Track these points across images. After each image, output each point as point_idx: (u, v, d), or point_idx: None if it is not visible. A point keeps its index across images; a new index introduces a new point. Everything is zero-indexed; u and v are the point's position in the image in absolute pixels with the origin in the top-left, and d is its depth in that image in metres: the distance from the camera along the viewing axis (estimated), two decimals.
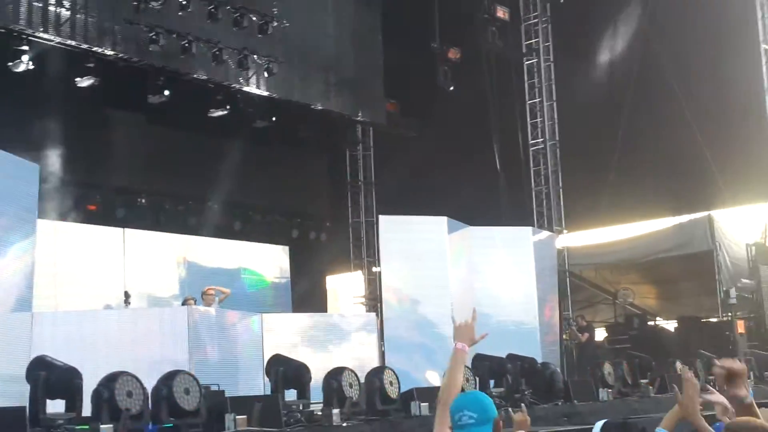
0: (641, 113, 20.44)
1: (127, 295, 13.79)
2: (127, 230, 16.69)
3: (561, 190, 22.27)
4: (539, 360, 14.30)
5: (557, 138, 22.48)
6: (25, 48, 15.91)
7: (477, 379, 12.40)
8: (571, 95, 21.86)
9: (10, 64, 15.89)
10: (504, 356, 13.47)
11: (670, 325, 21.20)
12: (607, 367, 13.89)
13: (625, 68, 20.83)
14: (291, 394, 10.88)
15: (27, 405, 8.26)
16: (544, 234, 18.96)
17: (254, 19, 18.54)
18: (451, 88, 21.20)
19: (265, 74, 18.94)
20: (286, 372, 11.09)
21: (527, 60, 23.07)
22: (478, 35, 21.46)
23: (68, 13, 16.22)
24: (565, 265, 21.64)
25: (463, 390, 4.45)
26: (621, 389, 13.83)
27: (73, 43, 16.46)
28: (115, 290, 14.84)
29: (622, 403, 13.35)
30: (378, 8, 22.24)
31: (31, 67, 15.96)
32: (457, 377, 4.39)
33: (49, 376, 8.72)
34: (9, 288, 10.77)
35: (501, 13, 21.73)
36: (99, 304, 14.63)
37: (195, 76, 18.18)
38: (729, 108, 19.84)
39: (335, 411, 10.23)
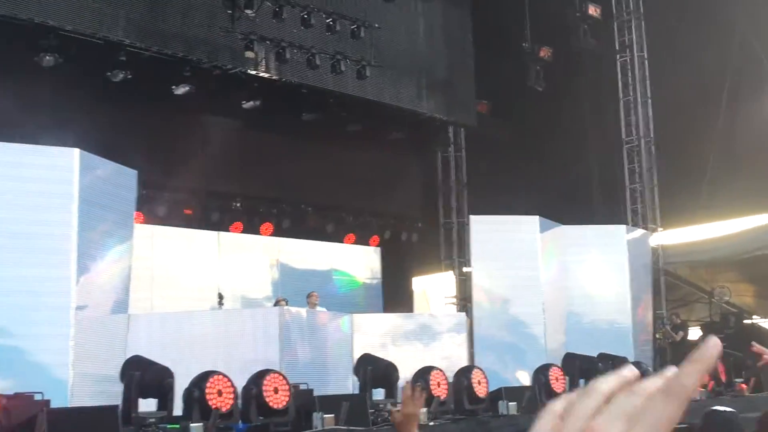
0: (738, 109, 20.08)
1: (220, 296, 14.13)
2: (222, 233, 17.06)
3: (656, 187, 21.97)
4: (632, 360, 14.18)
5: (652, 135, 22.18)
6: (123, 59, 16.44)
7: (567, 378, 12.36)
8: (666, 92, 21.54)
9: (108, 74, 16.44)
10: (595, 355, 13.43)
11: None
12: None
13: (722, 63, 20.45)
14: (379, 394, 11.01)
15: (120, 404, 8.54)
16: (639, 232, 18.74)
17: (346, 23, 18.81)
18: (542, 88, 21.12)
19: (357, 78, 19.18)
20: (374, 371, 11.23)
21: (620, 57, 22.81)
22: (570, 34, 21.33)
23: (164, 23, 16.70)
24: (660, 264, 21.33)
25: None
26: (715, 388, 13.63)
27: (170, 52, 16.95)
28: (209, 292, 15.19)
29: (715, 403, 13.13)
30: (468, 9, 22.32)
31: (129, 77, 16.50)
32: None
33: (143, 376, 9.00)
34: (107, 291, 11.12)
35: (593, 10, 21.58)
36: (193, 305, 14.97)
37: (290, 79, 18.48)
38: None
39: (423, 410, 10.34)
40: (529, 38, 21.50)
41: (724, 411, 4.75)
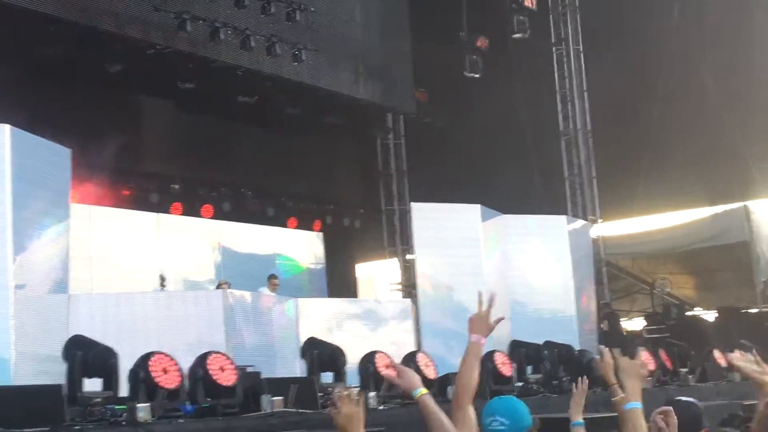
0: (675, 102, 20.25)
1: (162, 278, 13.77)
2: (161, 215, 16.67)
3: (595, 179, 22.06)
4: (577, 348, 14.16)
5: (589, 127, 22.27)
6: (53, 32, 15.89)
7: (515, 365, 12.25)
8: (603, 84, 21.69)
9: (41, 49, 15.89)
10: (541, 343, 13.37)
11: (709, 316, 20.98)
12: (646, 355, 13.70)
13: (657, 55, 20.60)
14: (328, 377, 10.78)
15: (64, 383, 8.20)
16: (579, 223, 18.76)
17: (281, 5, 18.49)
18: (478, 76, 21.07)
19: (293, 61, 18.86)
20: (321, 355, 11.02)
21: (556, 49, 22.87)
22: (506, 24, 21.29)
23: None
24: (601, 255, 21.44)
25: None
26: (660, 377, 13.64)
27: (102, 27, 16.45)
28: (150, 274, 14.83)
29: (660, 391, 13.15)
30: None
31: (59, 52, 15.97)
32: (474, 374, 4.12)
33: (86, 355, 8.68)
34: (45, 270, 10.71)
35: (529, 2, 21.64)
36: (134, 287, 14.60)
37: (224, 60, 18.10)
38: (764, 98, 19.60)
39: (371, 394, 10.14)
40: (465, 28, 21.40)
41: (687, 401, 4.70)
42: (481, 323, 4.24)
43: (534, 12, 21.85)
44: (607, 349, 5.69)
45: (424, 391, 4.05)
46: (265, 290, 14.63)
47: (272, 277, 15.33)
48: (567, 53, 22.89)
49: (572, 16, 23.01)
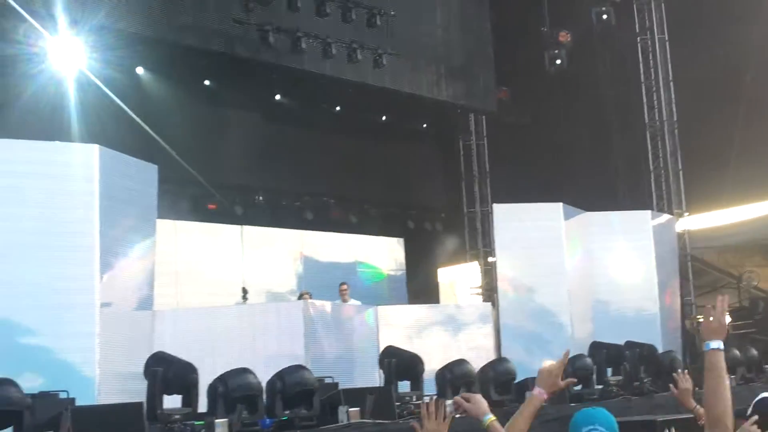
0: (763, 90, 19.79)
1: (244, 291, 14.07)
2: (245, 227, 17.02)
3: (681, 171, 21.73)
4: (660, 347, 14.05)
5: (675, 118, 21.93)
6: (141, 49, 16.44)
7: (594, 367, 12.23)
8: (689, 74, 21.29)
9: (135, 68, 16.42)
10: (622, 343, 13.29)
11: None
12: (732, 353, 13.53)
13: (745, 45, 20.18)
14: (405, 386, 10.91)
15: (144, 400, 8.49)
16: (664, 217, 18.55)
17: (362, 12, 18.70)
18: (562, 73, 20.94)
19: (375, 66, 19.07)
20: (399, 363, 11.13)
21: (641, 39, 22.57)
22: (589, 17, 21.12)
23: (182, 15, 16.67)
24: (687, 249, 21.11)
25: None
26: (745, 375, 13.47)
27: (189, 43, 16.93)
28: (233, 287, 15.11)
29: (746, 389, 12.98)
30: None
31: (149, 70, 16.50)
32: (525, 426, 4.06)
33: (166, 372, 8.93)
34: (132, 287, 11.10)
35: None
36: (218, 300, 14.91)
37: (306, 68, 18.41)
38: None
39: (448, 402, 10.22)
40: (548, 22, 21.31)
41: None
42: (550, 379, 4.17)
43: (617, 2, 21.63)
44: (683, 372, 5.68)
45: (492, 418, 4.11)
46: (338, 301, 14.79)
47: (341, 284, 15.50)
48: (652, 43, 22.51)
49: (657, 5, 22.63)
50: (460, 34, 21.67)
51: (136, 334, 10.80)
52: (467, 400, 4.19)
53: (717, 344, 3.99)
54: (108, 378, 9.96)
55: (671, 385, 5.60)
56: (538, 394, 4.12)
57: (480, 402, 4.17)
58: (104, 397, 9.61)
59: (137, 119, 15.75)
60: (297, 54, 18.04)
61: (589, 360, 12.24)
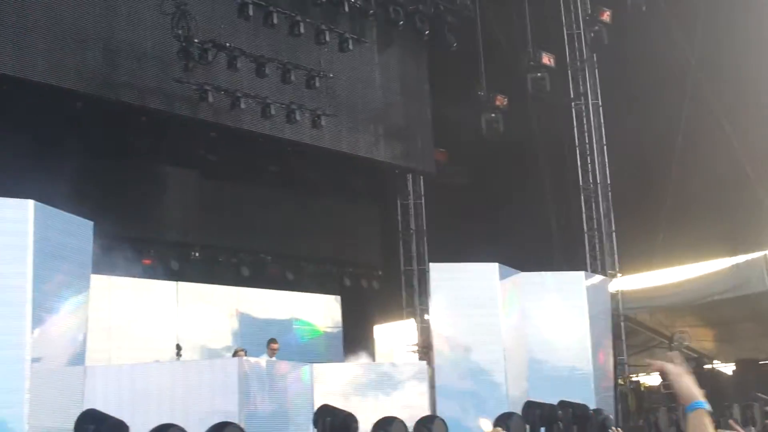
0: (693, 154, 20.26)
1: (178, 347, 13.96)
2: (181, 283, 16.92)
3: (614, 233, 22.11)
4: (592, 406, 14.18)
5: (608, 181, 22.37)
6: (78, 107, 16.40)
7: (528, 427, 12.32)
8: (622, 138, 21.80)
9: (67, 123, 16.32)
10: (556, 403, 13.41)
11: (728, 368, 20.82)
12: (662, 413, 13.73)
13: (676, 107, 20.70)
14: None
15: None
16: (598, 278, 18.82)
17: (301, 73, 18.88)
18: (499, 134, 21.28)
19: (313, 127, 19.22)
20: (333, 422, 11.14)
21: (575, 104, 23.06)
22: (525, 82, 21.54)
23: (116, 73, 16.70)
24: (620, 309, 21.40)
25: None
26: None
27: (126, 100, 16.94)
28: (168, 343, 15.01)
29: None
30: (424, 59, 22.56)
31: (82, 126, 16.41)
32: None
33: (98, 429, 8.85)
34: (63, 343, 10.93)
35: (547, 59, 21.86)
36: (152, 357, 14.79)
37: (245, 128, 18.49)
38: None
39: None
40: (484, 87, 21.67)
41: None
42: None
43: (552, 69, 22.09)
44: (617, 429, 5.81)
45: None
46: (264, 357, 14.75)
47: (271, 341, 15.39)
48: (586, 108, 23.04)
49: (591, 72, 23.20)
50: (399, 96, 21.96)
51: (67, 390, 10.62)
52: None
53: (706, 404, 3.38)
54: None
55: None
56: None
57: None
58: None
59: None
60: (236, 113, 18.14)
61: (522, 420, 12.34)
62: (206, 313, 16.80)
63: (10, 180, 13.67)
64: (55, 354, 10.69)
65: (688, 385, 3.46)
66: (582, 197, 22.42)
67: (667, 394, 18.19)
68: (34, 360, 10.09)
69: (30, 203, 10.73)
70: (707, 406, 3.36)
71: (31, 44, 15.50)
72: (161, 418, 9.69)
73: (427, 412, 13.50)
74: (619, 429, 6.03)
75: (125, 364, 13.40)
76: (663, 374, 3.49)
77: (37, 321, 10.35)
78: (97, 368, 11.99)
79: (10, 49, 15.26)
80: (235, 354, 14.76)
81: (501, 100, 21.73)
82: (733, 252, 20.18)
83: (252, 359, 13.34)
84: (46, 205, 11.06)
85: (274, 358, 14.88)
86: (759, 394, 15.13)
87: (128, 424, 9.03)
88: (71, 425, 9.12)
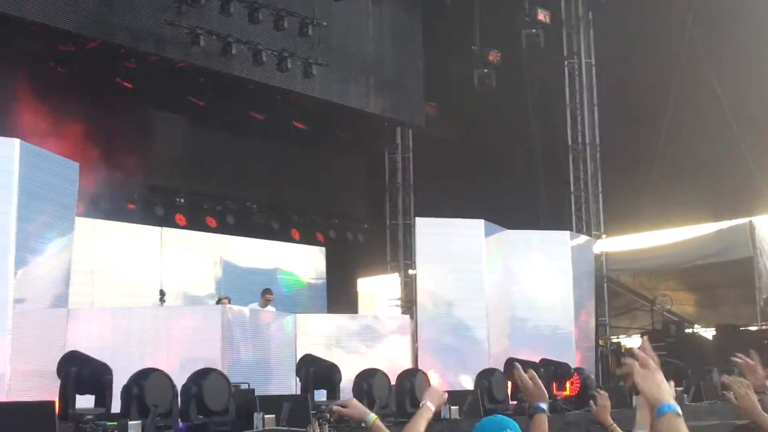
0: (683, 117, 20.20)
1: (162, 293, 13.90)
2: (165, 229, 16.84)
3: (600, 194, 22.11)
4: (573, 366, 14.24)
5: (598, 142, 22.32)
6: (72, 48, 16.21)
7: (509, 383, 12.34)
8: (613, 98, 21.71)
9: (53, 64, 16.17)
10: (538, 361, 13.44)
11: (708, 333, 20.96)
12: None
13: (667, 71, 20.61)
14: (321, 395, 10.91)
15: (57, 399, 8.37)
16: (583, 238, 18.84)
17: (294, 20, 18.68)
18: (490, 91, 21.15)
19: (305, 76, 19.06)
20: (316, 372, 11.15)
21: (568, 63, 22.93)
22: (519, 38, 21.39)
23: (110, 14, 16.49)
24: (603, 271, 21.46)
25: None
26: None
27: (116, 42, 16.75)
28: (151, 288, 14.94)
29: None
30: (418, 11, 22.33)
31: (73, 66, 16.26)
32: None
33: (80, 372, 8.83)
34: (46, 284, 10.90)
35: (542, 16, 21.65)
36: (135, 302, 14.76)
37: (236, 74, 18.32)
38: None
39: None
40: (478, 41, 21.50)
41: None
42: (438, 397, 4.48)
43: (547, 26, 21.92)
44: (603, 392, 5.86)
45: (374, 417, 4.29)
46: (255, 306, 14.74)
47: (266, 291, 15.39)
48: (579, 67, 22.92)
49: (585, 30, 23.06)
50: (392, 47, 21.76)
51: (49, 331, 10.61)
52: (344, 406, 4.37)
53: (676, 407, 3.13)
54: (19, 375, 9.76)
55: (591, 402, 5.73)
56: (429, 407, 4.35)
57: (357, 405, 4.37)
58: (14, 395, 9.42)
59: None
60: (227, 59, 17.95)
61: (503, 376, 12.37)
62: (190, 260, 16.73)
63: None
64: (38, 295, 10.66)
65: (657, 384, 3.22)
66: (570, 157, 22.37)
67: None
68: (17, 301, 10.08)
69: (16, 142, 10.65)
70: (677, 409, 3.07)
71: None
72: (143, 362, 9.68)
73: (409, 366, 13.55)
74: (602, 391, 6.06)
75: (108, 308, 13.36)
76: (628, 375, 3.28)
77: (20, 262, 10.31)
78: (80, 311, 11.96)
79: None
80: (218, 301, 14.72)
81: (494, 56, 21.54)
82: (719, 217, 20.23)
83: (235, 307, 13.31)
84: (32, 145, 10.97)
85: (267, 308, 14.89)
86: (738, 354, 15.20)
87: (110, 367, 9.00)
88: (53, 367, 9.11)
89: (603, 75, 22.60)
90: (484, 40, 21.50)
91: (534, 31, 21.57)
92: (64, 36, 16.17)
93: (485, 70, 21.52)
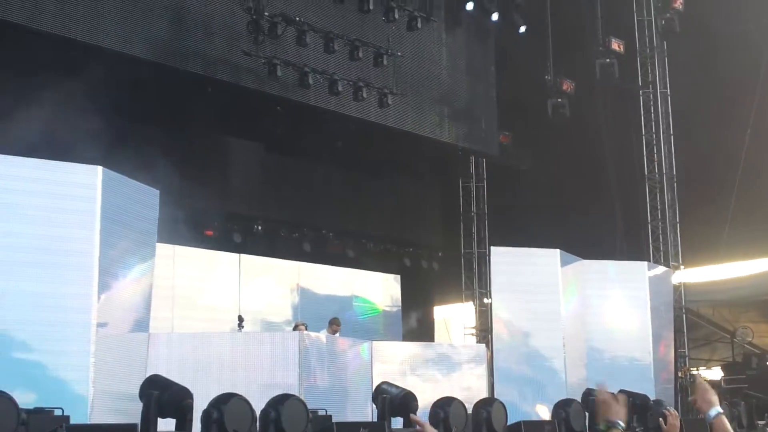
0: (762, 146, 19.92)
1: (240, 319, 14.02)
2: (243, 255, 16.99)
3: (678, 225, 21.83)
4: (652, 397, 14.00)
5: (675, 172, 22.06)
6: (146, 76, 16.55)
7: (587, 414, 12.18)
8: (689, 128, 21.49)
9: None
10: (616, 392, 13.24)
11: None
12: (723, 407, 13.48)
13: (745, 103, 20.32)
14: (398, 423, 10.88)
15: (139, 422, 8.44)
16: (660, 269, 18.56)
17: (369, 50, 18.85)
18: (565, 119, 21.07)
19: (379, 105, 19.18)
20: (393, 399, 11.10)
21: (643, 92, 22.75)
22: (593, 67, 21.28)
23: (185, 42, 16.79)
24: (682, 302, 21.15)
25: None
26: (736, 429, 13.41)
27: (196, 71, 17.03)
28: (230, 314, 15.09)
29: None
30: (491, 40, 22.39)
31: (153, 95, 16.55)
32: None
33: (162, 395, 8.89)
34: (128, 308, 11.04)
35: (616, 45, 21.54)
36: (213, 327, 14.90)
37: (312, 104, 18.51)
38: None
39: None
40: (551, 71, 21.45)
41: None
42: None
43: (621, 55, 21.79)
44: (674, 411, 5.80)
45: None
46: (323, 333, 14.80)
47: (333, 321, 15.49)
48: (654, 97, 22.73)
49: (660, 60, 22.88)
50: (465, 77, 21.85)
51: (131, 355, 10.74)
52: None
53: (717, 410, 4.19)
54: (101, 397, 9.89)
55: (660, 420, 5.68)
56: None
57: (433, 430, 4.26)
58: (96, 417, 9.54)
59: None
60: (303, 88, 18.15)
61: (581, 406, 12.22)
62: (267, 286, 16.85)
63: (81, 144, 13.84)
64: (120, 320, 10.80)
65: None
66: (647, 187, 22.13)
67: (729, 389, 18.02)
68: (100, 325, 10.19)
69: (99, 169, 10.81)
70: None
71: (102, 11, 15.63)
72: (222, 387, 9.70)
73: (485, 395, 13.45)
74: (672, 409, 6.02)
75: (188, 333, 13.49)
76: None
77: (103, 287, 10.45)
78: (160, 336, 12.09)
79: (82, 14, 15.39)
80: (295, 328, 14.80)
81: (568, 85, 21.50)
82: None
83: (312, 334, 13.35)
84: (113, 172, 11.15)
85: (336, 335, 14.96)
86: None
87: (191, 392, 9.06)
88: (135, 390, 9.19)
89: (679, 104, 22.36)
90: (557, 70, 21.47)
91: (608, 60, 21.44)
92: (139, 63, 16.44)
93: (559, 100, 21.48)
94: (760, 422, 13.90)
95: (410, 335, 18.72)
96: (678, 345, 19.32)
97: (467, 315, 23.19)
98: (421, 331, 20.78)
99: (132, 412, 9.00)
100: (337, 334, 15.17)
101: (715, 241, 20.06)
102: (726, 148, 20.53)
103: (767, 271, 20.36)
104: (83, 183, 10.78)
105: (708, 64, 21.05)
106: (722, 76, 20.67)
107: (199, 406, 8.85)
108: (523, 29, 21.73)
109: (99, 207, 10.63)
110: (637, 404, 13.19)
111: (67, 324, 10.04)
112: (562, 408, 12.11)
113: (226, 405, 8.86)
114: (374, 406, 11.43)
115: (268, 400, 9.43)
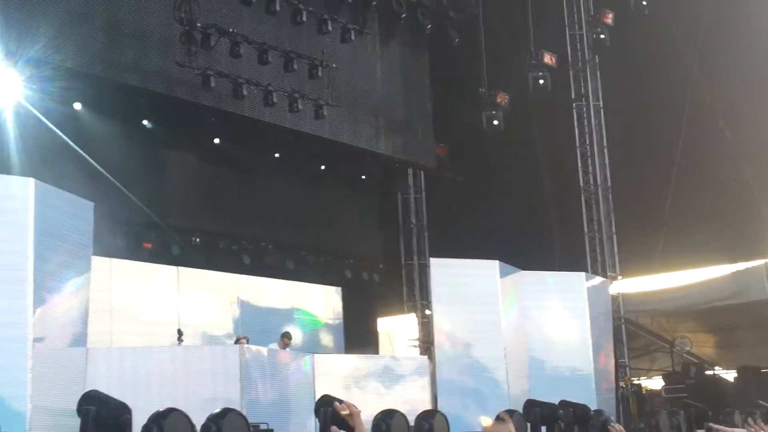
0: (694, 158, 20.21)
1: (180, 332, 13.80)
2: (182, 268, 16.74)
3: (615, 235, 22.04)
4: (593, 407, 14.02)
5: (609, 183, 22.29)
6: (80, 87, 16.25)
7: (528, 425, 12.14)
8: (623, 140, 21.73)
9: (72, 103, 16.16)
10: (557, 402, 13.25)
11: (730, 375, 20.77)
12: (663, 417, 13.54)
13: (677, 113, 20.63)
14: None
15: None
16: (598, 280, 18.68)
17: (303, 62, 18.76)
18: (499, 131, 21.18)
19: (315, 117, 19.10)
20: (335, 412, 10.95)
21: (576, 105, 22.96)
22: (526, 80, 21.41)
23: (123, 54, 16.53)
24: (620, 312, 21.34)
25: None
26: None
27: (128, 82, 16.76)
28: (169, 327, 14.86)
29: None
30: (425, 53, 22.46)
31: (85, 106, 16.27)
32: None
33: (99, 411, 8.66)
34: (65, 323, 10.78)
35: (548, 59, 21.70)
36: (153, 341, 14.64)
37: (246, 115, 18.34)
38: None
39: None
40: (486, 83, 21.55)
41: None
42: None
43: (554, 68, 21.96)
44: (619, 426, 5.76)
45: None
46: (275, 347, 14.67)
47: (285, 335, 15.39)
48: (587, 109, 22.94)
49: (592, 73, 23.13)
50: (400, 89, 21.86)
51: (69, 370, 10.47)
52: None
53: None
54: (39, 414, 9.61)
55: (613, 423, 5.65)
56: None
57: None
58: None
59: (81, 152, 15.51)
60: (237, 99, 17.98)
61: (523, 417, 12.18)
62: (207, 299, 16.62)
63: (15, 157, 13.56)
64: (57, 334, 10.54)
65: None
66: (582, 198, 22.31)
67: (669, 398, 18.17)
68: (36, 340, 9.95)
69: (31, 181, 10.59)
70: None
71: (37, 24, 15.31)
72: (163, 402, 9.41)
73: (428, 407, 13.36)
74: (617, 425, 5.99)
75: (127, 347, 13.23)
76: None
77: (39, 301, 10.20)
78: (99, 350, 11.82)
79: (15, 23, 15.06)
80: (237, 341, 14.63)
81: (502, 98, 21.61)
82: (734, 259, 20.14)
83: (254, 347, 13.16)
84: (46, 185, 10.91)
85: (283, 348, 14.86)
86: (760, 402, 15.02)
87: (129, 407, 8.84)
88: (73, 406, 8.87)
89: (612, 117, 22.62)
90: (492, 82, 21.58)
91: (541, 73, 21.58)
92: (74, 75, 16.13)
93: (493, 112, 21.56)
94: (699, 431, 13.97)
95: (352, 348, 18.60)
96: (618, 355, 19.46)
97: (410, 326, 23.14)
98: (365, 343, 20.68)
99: (71, 428, 8.70)
100: (288, 348, 15.04)
101: (652, 251, 20.30)
102: (659, 159, 20.81)
103: (704, 281, 20.63)
104: (15, 196, 10.54)
105: (639, 76, 21.33)
106: (654, 89, 20.94)
107: (140, 421, 8.56)
108: (457, 42, 21.77)
109: (32, 220, 10.39)
110: (578, 415, 13.20)
111: (2, 339, 9.76)
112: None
113: (165, 420, 8.61)
114: (317, 419, 11.28)
115: (208, 414, 9.24)
